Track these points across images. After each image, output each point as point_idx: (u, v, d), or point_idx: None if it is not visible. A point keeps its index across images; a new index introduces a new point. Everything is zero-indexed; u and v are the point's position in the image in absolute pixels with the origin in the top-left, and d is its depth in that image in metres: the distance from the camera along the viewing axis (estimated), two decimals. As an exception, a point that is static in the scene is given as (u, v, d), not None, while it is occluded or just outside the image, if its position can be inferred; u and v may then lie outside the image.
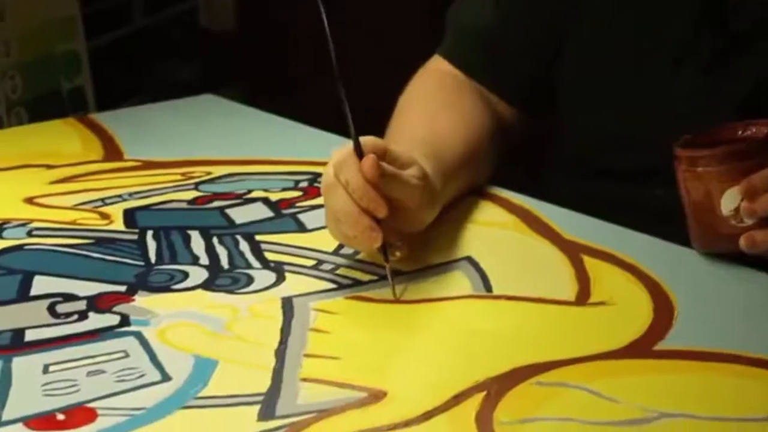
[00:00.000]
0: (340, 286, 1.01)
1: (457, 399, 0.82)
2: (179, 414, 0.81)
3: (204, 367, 0.88)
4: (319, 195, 1.05)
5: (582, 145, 1.24)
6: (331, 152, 1.00)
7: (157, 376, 0.86)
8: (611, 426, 0.79)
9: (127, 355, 0.90)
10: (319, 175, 1.08)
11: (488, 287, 1.01)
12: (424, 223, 1.05)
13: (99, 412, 0.82)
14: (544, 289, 0.99)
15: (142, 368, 0.88)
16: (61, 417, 0.81)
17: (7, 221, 1.18)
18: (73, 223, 1.18)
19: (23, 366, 0.89)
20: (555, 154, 1.30)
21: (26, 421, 0.81)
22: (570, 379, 0.84)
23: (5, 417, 0.81)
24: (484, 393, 0.83)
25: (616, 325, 0.93)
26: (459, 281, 1.02)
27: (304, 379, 0.86)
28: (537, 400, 0.82)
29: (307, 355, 0.89)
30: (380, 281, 1.02)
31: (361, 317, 0.97)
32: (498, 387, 0.84)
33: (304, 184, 1.27)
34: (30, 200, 1.25)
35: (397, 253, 1.00)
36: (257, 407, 0.82)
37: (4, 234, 1.15)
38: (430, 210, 1.05)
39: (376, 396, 0.83)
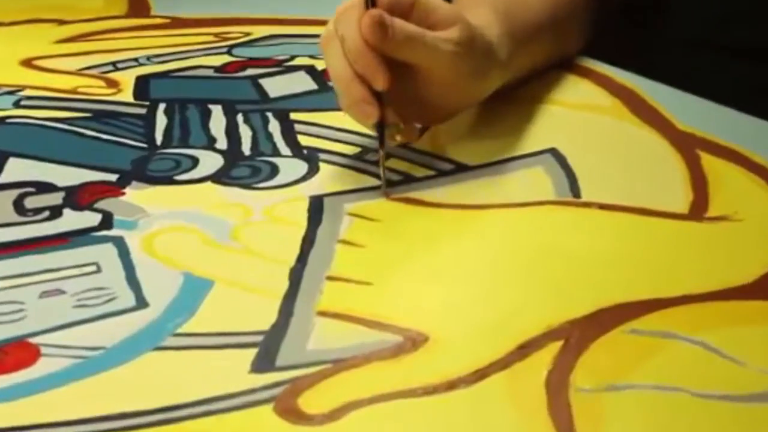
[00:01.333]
0: (387, 183, 0.80)
1: (523, 351, 0.62)
2: (147, 359, 0.62)
3: (193, 291, 0.68)
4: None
5: (706, 14, 1.01)
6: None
7: (131, 301, 0.67)
8: (735, 402, 0.58)
9: (98, 270, 0.70)
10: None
11: (576, 191, 0.79)
12: (473, 99, 0.84)
13: (43, 350, 0.62)
14: (648, 196, 0.78)
15: (114, 289, 0.68)
16: (-8, 356, 0.62)
17: (-7, 88, 0.99)
18: (73, 91, 0.99)
19: (-38, 280, 0.69)
20: (670, 23, 1.06)
21: (-52, 360, 0.62)
22: (678, 327, 0.63)
23: None
24: (560, 343, 0.62)
25: (742, 251, 0.72)
26: (538, 181, 0.81)
27: (321, 313, 0.66)
28: (631, 356, 0.61)
29: (330, 278, 0.69)
30: (438, 177, 0.81)
31: (407, 226, 0.76)
32: (579, 335, 0.63)
33: (359, 50, 1.05)
34: (27, 62, 1.06)
35: (398, 137, 0.81)
36: (253, 352, 0.62)
37: (-14, 103, 0.96)
38: (482, 82, 0.84)
39: (414, 342, 0.63)
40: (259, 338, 0.63)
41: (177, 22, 1.17)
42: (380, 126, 0.79)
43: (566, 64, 0.98)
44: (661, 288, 0.67)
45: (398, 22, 0.76)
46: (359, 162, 0.84)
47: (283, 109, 0.94)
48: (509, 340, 0.62)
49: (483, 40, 0.82)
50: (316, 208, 0.78)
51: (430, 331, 0.64)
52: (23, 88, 1.00)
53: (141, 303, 0.67)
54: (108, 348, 0.62)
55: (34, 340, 0.63)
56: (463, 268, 0.71)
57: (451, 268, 0.71)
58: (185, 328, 0.64)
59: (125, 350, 0.62)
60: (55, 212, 0.78)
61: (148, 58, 1.07)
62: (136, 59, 1.06)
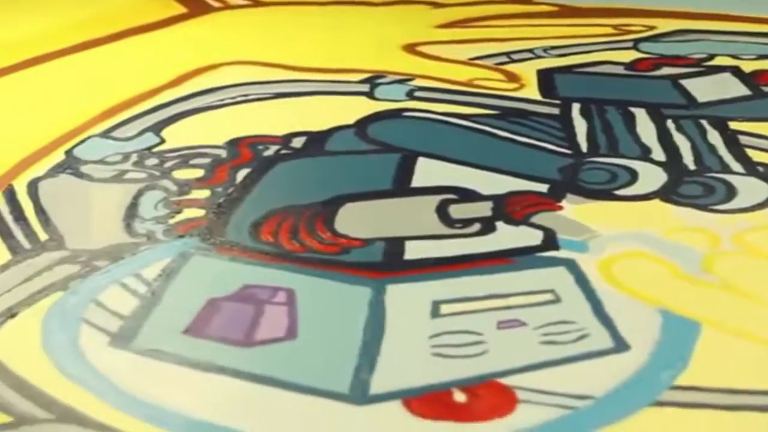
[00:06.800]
0: None
1: None
2: (645, 414, 0.55)
3: (679, 334, 0.60)
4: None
5: None
6: None
7: (606, 341, 0.60)
8: None
9: (556, 299, 0.64)
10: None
11: None
12: None
13: (518, 394, 0.56)
14: None
15: (583, 324, 0.62)
16: (460, 397, 0.56)
17: (380, 74, 0.95)
18: (469, 84, 0.94)
19: (401, 300, 0.64)
20: None
21: (406, 397, 0.56)
22: None
23: (374, 389, 0.57)
24: None
25: None
26: None
27: None
28: None
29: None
30: None
31: None
32: None
33: (789, 53, 0.98)
34: (411, 48, 1.01)
35: None
36: None
37: (377, 92, 0.91)
38: None
39: None
40: (778, 400, 0.56)
41: (566, 11, 1.12)
42: None
43: None
44: None
45: None
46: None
47: (717, 116, 0.86)
48: None
49: None
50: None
51: None
52: (412, 77, 0.95)
53: (620, 345, 0.60)
54: (597, 398, 0.56)
55: (504, 380, 0.57)
56: None
57: None
58: (682, 381, 0.57)
59: (619, 402, 0.56)
60: (487, 225, 0.71)
61: (545, 50, 1.01)
62: (531, 50, 1.01)
